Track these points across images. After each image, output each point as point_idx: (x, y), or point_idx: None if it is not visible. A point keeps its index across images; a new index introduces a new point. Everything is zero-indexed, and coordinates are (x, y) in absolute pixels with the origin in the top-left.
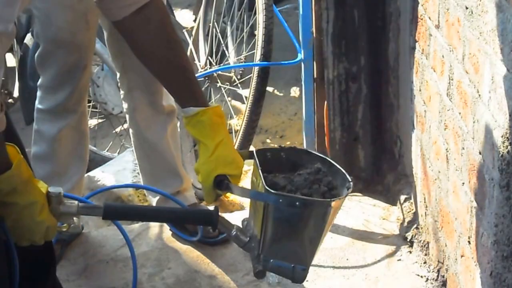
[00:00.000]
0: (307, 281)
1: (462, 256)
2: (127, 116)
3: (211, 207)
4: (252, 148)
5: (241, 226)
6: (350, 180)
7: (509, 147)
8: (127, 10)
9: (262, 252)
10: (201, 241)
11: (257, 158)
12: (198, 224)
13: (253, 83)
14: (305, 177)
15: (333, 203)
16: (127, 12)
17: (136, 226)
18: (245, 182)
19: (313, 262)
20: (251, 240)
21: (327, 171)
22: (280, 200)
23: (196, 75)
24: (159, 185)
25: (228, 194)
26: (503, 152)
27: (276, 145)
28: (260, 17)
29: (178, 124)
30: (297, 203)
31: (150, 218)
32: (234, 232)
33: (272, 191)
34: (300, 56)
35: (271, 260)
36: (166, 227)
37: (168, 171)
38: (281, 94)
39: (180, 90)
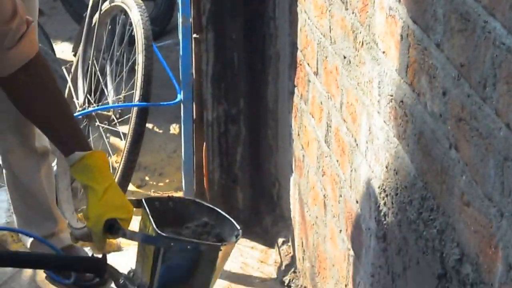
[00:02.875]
0: None
1: None
2: None
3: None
4: (130, 186)
5: (127, 274)
6: (238, 228)
7: (385, 198)
8: (11, 68)
9: None
10: (75, 284)
11: (146, 206)
12: (85, 273)
13: (132, 124)
14: (193, 229)
15: (223, 248)
16: (11, 70)
17: (9, 268)
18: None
19: None
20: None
21: (214, 224)
22: (172, 244)
23: (75, 114)
24: (33, 227)
25: None
26: (380, 203)
27: (157, 192)
28: (140, 57)
29: (55, 163)
30: (189, 247)
31: (31, 265)
32: (122, 281)
33: (164, 234)
34: (180, 96)
35: None
36: (40, 270)
37: (41, 213)
38: (161, 131)
39: (65, 139)
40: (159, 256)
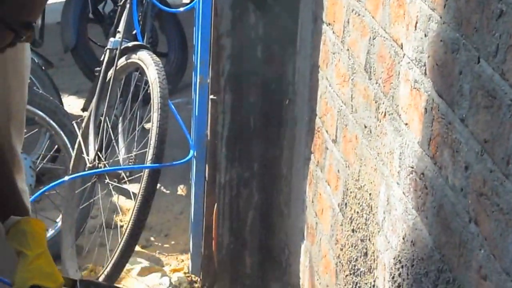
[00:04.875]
0: None
1: None
2: None
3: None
4: (137, 248)
5: None
6: None
7: (401, 269)
8: None
9: None
10: None
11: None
12: None
13: (143, 183)
14: None
15: None
16: None
17: None
18: None
19: None
20: None
21: None
22: None
23: (84, 172)
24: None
25: None
26: (394, 274)
27: (162, 254)
28: (155, 116)
29: (59, 218)
30: None
31: None
32: None
33: None
34: (192, 153)
35: None
36: None
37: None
38: (168, 192)
39: (5, 202)
40: None
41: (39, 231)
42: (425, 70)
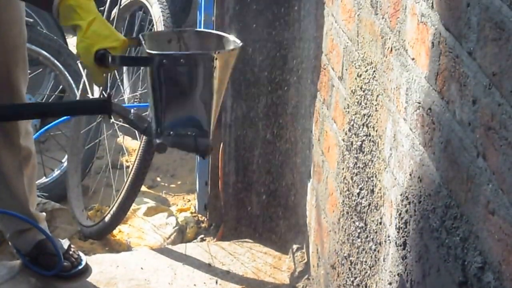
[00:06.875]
0: None
1: None
2: None
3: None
4: (143, 188)
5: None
6: (239, 42)
7: (408, 206)
8: None
9: (161, 125)
10: (56, 276)
11: (144, 40)
12: (93, 114)
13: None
14: None
15: (217, 55)
16: None
17: (18, 262)
18: (135, 221)
19: None
20: (150, 123)
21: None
22: (164, 61)
23: None
24: (5, 221)
25: (115, 232)
26: (401, 211)
27: (169, 194)
28: None
29: (65, 159)
30: (182, 60)
31: (44, 114)
32: (132, 117)
33: (155, 52)
34: None
35: (171, 132)
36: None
37: (18, 211)
38: None
39: None
40: (156, 77)
41: (86, 1)
42: (432, 3)
